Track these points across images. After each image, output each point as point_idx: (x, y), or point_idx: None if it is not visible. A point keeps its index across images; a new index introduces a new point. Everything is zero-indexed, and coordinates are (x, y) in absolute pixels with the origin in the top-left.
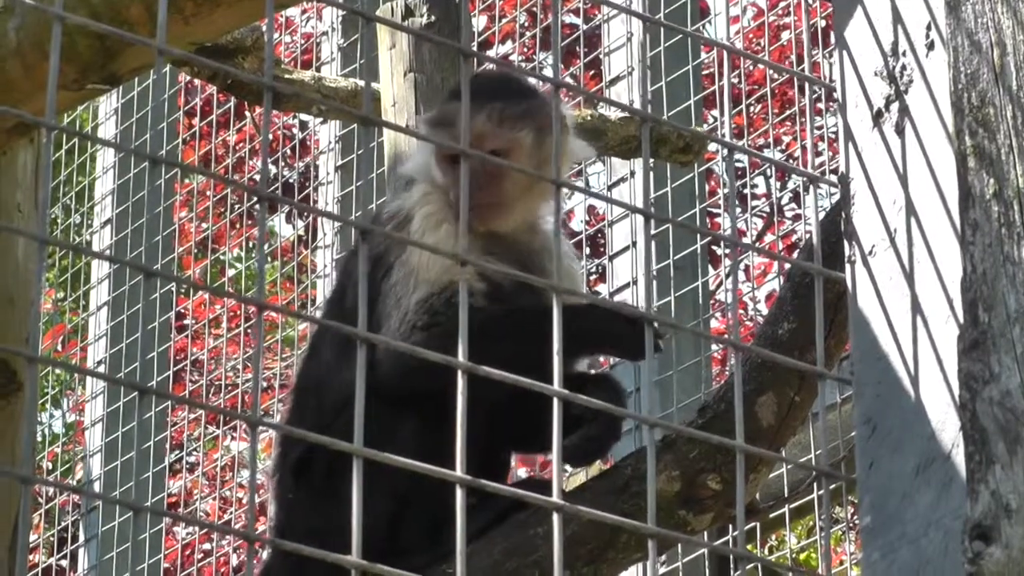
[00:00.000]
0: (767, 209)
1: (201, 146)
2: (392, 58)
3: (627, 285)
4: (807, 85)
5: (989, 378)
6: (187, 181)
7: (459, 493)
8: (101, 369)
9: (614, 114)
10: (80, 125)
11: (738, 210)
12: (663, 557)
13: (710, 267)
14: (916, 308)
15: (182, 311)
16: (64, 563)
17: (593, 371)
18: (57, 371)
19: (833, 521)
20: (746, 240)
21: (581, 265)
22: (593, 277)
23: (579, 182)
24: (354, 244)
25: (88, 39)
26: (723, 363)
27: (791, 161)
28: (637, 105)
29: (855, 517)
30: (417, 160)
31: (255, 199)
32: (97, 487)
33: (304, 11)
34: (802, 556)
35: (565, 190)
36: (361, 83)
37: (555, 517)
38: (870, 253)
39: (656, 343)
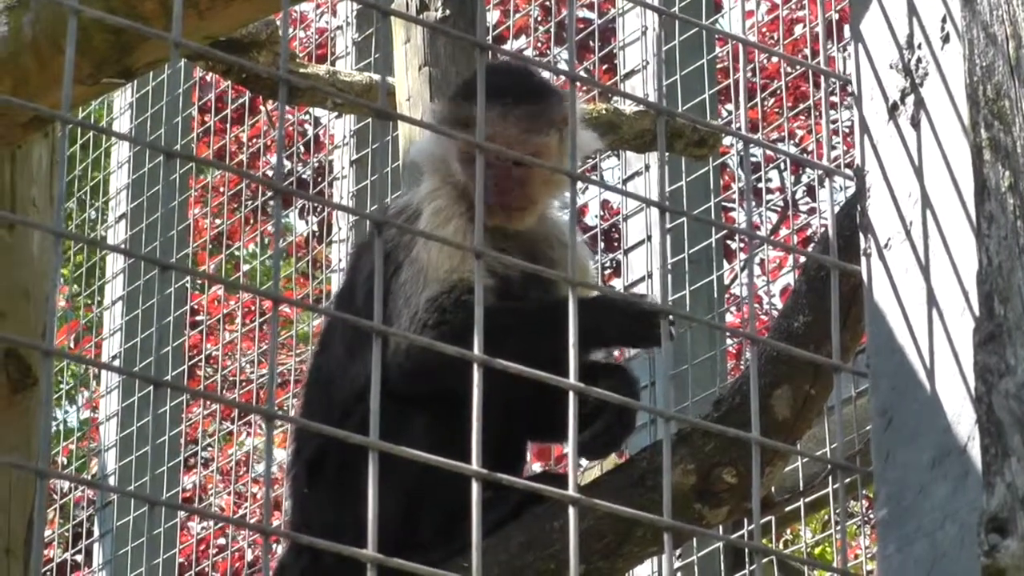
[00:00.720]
0: (782, 203)
1: (215, 141)
2: (407, 52)
3: (642, 279)
4: (822, 78)
5: (1005, 371)
6: (201, 176)
7: (475, 487)
8: (116, 364)
9: (629, 108)
10: (95, 120)
11: (753, 204)
12: (679, 551)
13: (725, 261)
14: (932, 301)
15: (196, 306)
16: (79, 558)
17: (606, 361)
18: (72, 366)
19: (849, 515)
20: (761, 234)
21: (595, 258)
22: (608, 271)
23: (593, 176)
24: (368, 237)
25: (103, 33)
26: (738, 357)
27: (805, 155)
28: (652, 99)
29: (870, 511)
30: (428, 152)
31: (269, 194)
32: (112, 482)
33: (319, 5)
34: (817, 550)
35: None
36: (376, 77)
37: (571, 511)
38: (886, 246)
39: (670, 332)
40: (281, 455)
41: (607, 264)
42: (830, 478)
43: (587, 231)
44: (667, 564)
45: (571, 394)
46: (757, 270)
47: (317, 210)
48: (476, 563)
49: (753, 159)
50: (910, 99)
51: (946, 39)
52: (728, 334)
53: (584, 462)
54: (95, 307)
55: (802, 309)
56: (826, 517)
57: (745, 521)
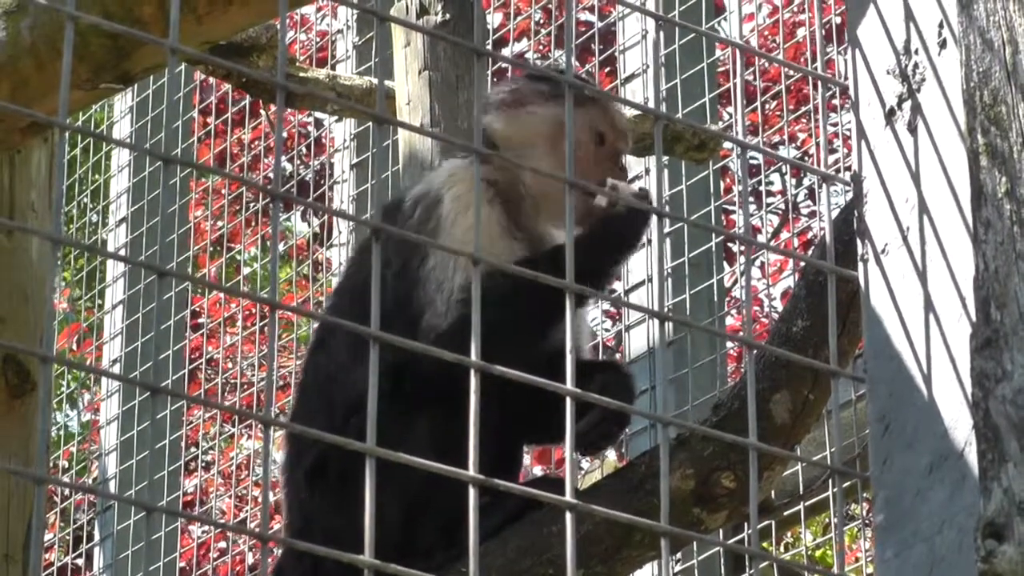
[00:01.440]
0: (782, 206)
1: (216, 144)
2: (407, 56)
3: (642, 283)
4: (820, 83)
5: (1002, 376)
6: (202, 179)
7: (472, 492)
8: (116, 368)
9: (629, 112)
10: (95, 123)
11: (753, 207)
12: (678, 555)
13: (725, 264)
14: (929, 306)
15: (197, 309)
16: (79, 562)
17: (602, 360)
18: (72, 370)
19: (848, 518)
20: (761, 237)
21: None
22: None
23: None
24: (364, 241)
25: (101, 38)
26: (738, 360)
27: (806, 158)
28: (652, 103)
29: (870, 514)
30: (534, 127)
31: (270, 198)
32: (112, 486)
33: (319, 8)
34: (817, 553)
35: None
36: (376, 81)
37: (568, 516)
38: (883, 251)
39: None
40: (281, 458)
41: None
42: (830, 482)
43: None
44: (665, 569)
45: (568, 400)
46: (757, 273)
47: (319, 212)
48: (474, 569)
49: (754, 162)
50: (907, 105)
51: (943, 45)
52: (727, 339)
53: (584, 465)
54: (96, 310)
55: (801, 314)
56: (826, 520)
57: (745, 525)
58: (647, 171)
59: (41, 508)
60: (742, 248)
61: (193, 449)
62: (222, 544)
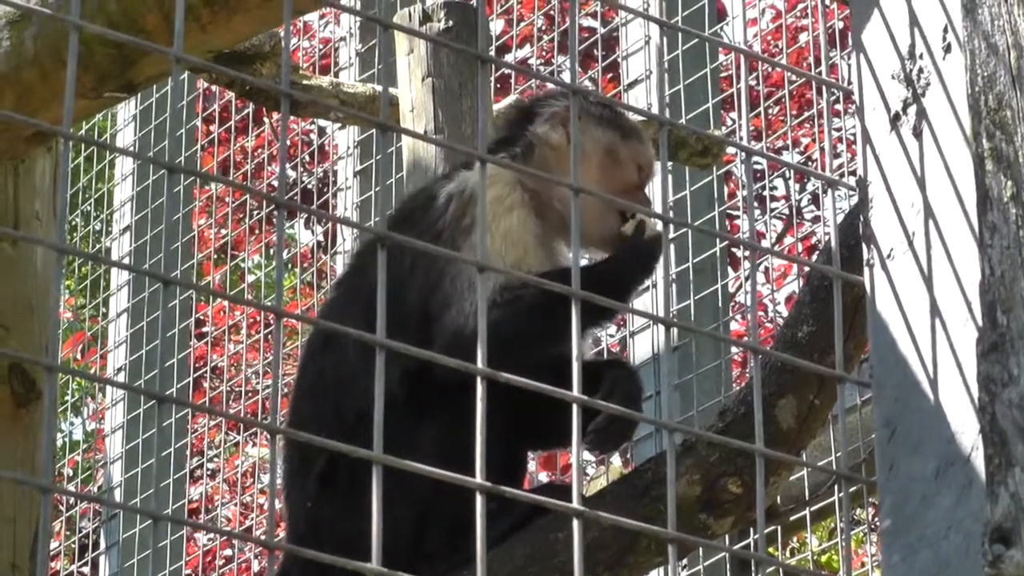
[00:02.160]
0: (786, 211)
1: (220, 152)
2: (410, 63)
3: (647, 288)
4: (824, 87)
5: (1008, 381)
6: (206, 188)
7: (479, 499)
8: (121, 376)
9: (632, 118)
10: (99, 131)
11: (757, 212)
12: (684, 561)
13: (730, 269)
14: (935, 311)
15: (202, 318)
16: (86, 570)
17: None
18: (77, 378)
19: (854, 523)
20: (765, 243)
21: None
22: None
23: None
24: (365, 246)
25: (105, 47)
26: (743, 366)
27: (810, 163)
28: (655, 109)
29: (876, 519)
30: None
31: (274, 205)
32: (118, 494)
33: (323, 16)
34: (823, 558)
35: None
36: (379, 88)
37: (575, 522)
38: (888, 256)
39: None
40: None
41: None
42: (835, 487)
43: None
44: (672, 575)
45: (574, 407)
46: (762, 278)
47: (322, 220)
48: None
49: (757, 167)
50: (912, 109)
51: (948, 49)
52: (732, 344)
53: (590, 471)
54: (100, 319)
55: (806, 319)
56: (832, 525)
57: (751, 531)
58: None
59: (47, 517)
60: (747, 253)
61: (199, 457)
62: (228, 552)
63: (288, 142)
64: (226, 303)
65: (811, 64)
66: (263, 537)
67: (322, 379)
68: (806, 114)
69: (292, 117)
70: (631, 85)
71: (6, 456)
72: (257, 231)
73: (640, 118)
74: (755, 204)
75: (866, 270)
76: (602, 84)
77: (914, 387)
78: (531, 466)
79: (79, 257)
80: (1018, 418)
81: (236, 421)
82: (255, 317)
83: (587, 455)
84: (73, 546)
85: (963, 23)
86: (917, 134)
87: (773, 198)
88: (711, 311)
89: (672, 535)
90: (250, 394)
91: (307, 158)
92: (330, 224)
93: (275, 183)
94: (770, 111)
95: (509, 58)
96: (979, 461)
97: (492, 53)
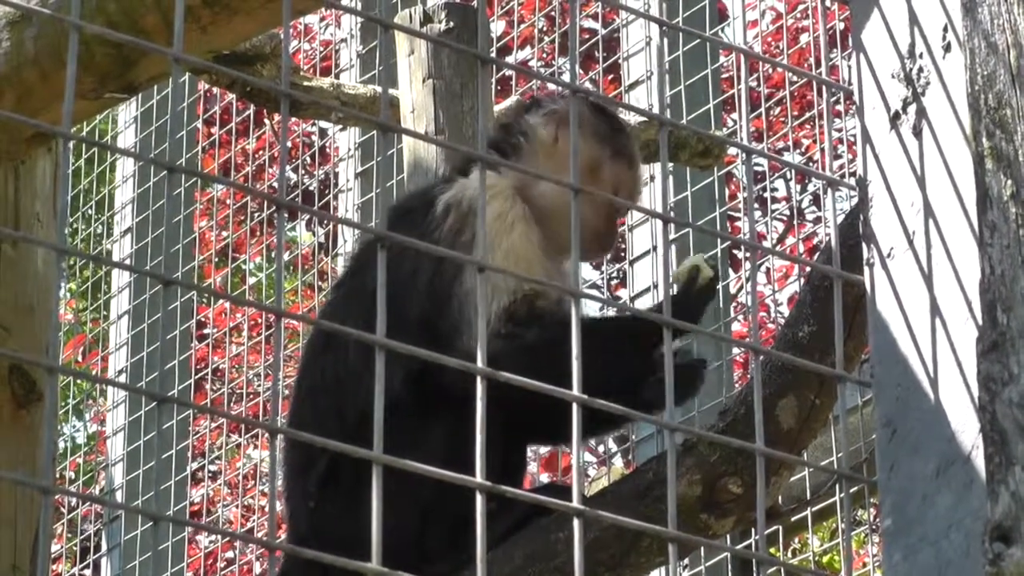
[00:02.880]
0: (787, 212)
1: (221, 154)
2: (411, 64)
3: (647, 289)
4: (824, 88)
5: (1008, 379)
6: (207, 189)
7: (479, 499)
8: (122, 378)
9: (633, 119)
10: (100, 133)
11: (758, 213)
12: (685, 561)
13: (731, 270)
14: (935, 310)
15: (203, 319)
16: (87, 572)
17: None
18: (79, 380)
19: (855, 523)
20: (766, 243)
21: (602, 269)
22: (615, 282)
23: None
24: (363, 246)
25: (105, 48)
26: (745, 366)
27: (811, 163)
28: (656, 110)
29: (877, 519)
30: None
31: (275, 207)
32: (119, 496)
33: (323, 18)
34: (825, 559)
35: None
36: (380, 89)
37: (576, 522)
38: (888, 255)
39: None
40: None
41: (613, 275)
42: (837, 486)
43: None
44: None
45: (575, 406)
46: (763, 279)
47: (324, 222)
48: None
49: (758, 168)
50: (912, 108)
51: (947, 48)
52: (733, 345)
53: (591, 472)
54: (102, 321)
55: (807, 319)
56: (834, 525)
57: (752, 531)
58: (652, 178)
59: (48, 519)
60: (748, 254)
61: (200, 459)
62: (229, 554)
63: (289, 144)
64: (227, 305)
65: (811, 65)
66: (265, 539)
67: (323, 380)
68: (807, 115)
69: (293, 119)
70: (632, 86)
71: (7, 457)
72: (258, 233)
73: (641, 119)
74: (756, 205)
75: (866, 269)
76: (603, 85)
77: (914, 386)
78: (532, 467)
79: (79, 258)
80: (1018, 417)
81: (237, 422)
82: (256, 319)
83: (587, 456)
84: (75, 548)
85: (963, 22)
86: (917, 133)
87: (774, 199)
88: (712, 311)
89: (673, 535)
90: (251, 396)
91: (308, 160)
92: (331, 226)
93: (276, 185)
94: (771, 112)
95: (510, 59)
96: (979, 460)
97: (493, 54)
